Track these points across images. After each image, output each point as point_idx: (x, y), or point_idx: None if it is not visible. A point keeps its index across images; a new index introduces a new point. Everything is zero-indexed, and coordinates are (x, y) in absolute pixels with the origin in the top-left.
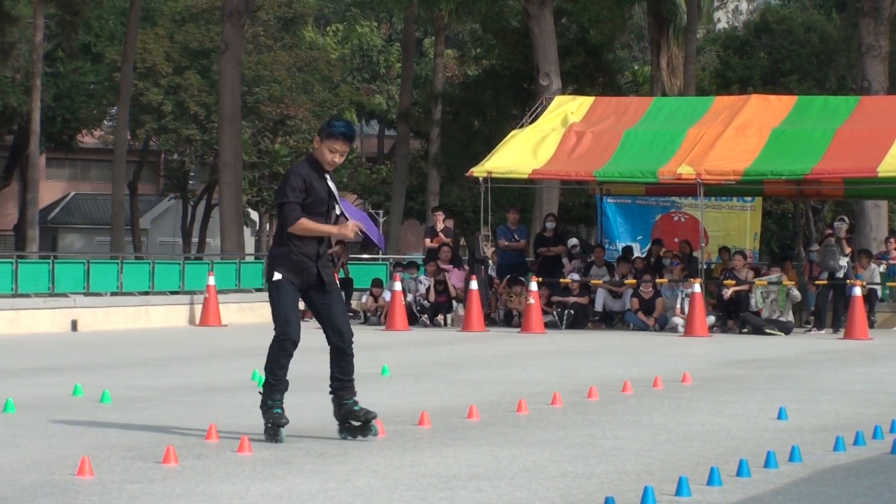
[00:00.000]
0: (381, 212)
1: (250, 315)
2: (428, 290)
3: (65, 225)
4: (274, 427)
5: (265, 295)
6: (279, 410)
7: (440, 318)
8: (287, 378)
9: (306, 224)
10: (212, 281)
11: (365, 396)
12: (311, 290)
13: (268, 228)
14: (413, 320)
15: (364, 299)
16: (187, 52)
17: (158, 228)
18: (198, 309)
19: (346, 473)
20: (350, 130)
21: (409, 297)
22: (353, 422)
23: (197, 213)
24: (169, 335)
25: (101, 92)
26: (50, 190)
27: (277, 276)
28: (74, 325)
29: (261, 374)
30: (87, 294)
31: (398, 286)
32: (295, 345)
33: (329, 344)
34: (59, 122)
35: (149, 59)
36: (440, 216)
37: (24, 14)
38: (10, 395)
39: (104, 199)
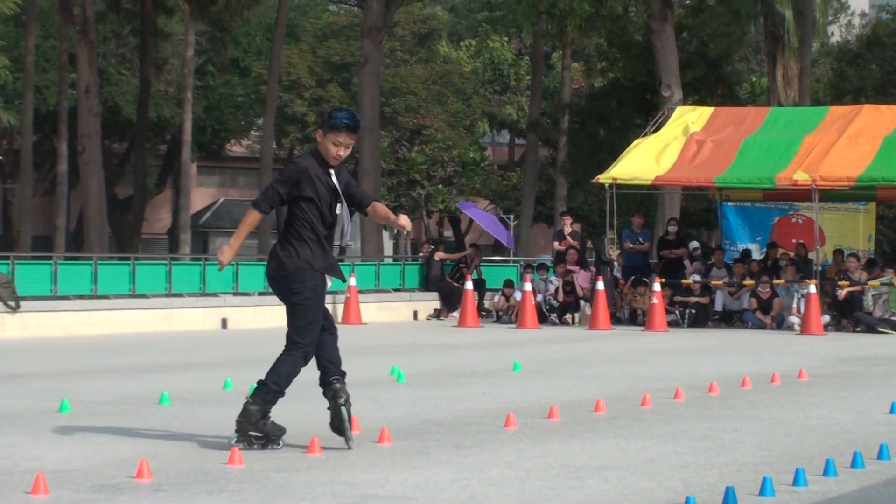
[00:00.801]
0: (511, 216)
1: (388, 314)
2: (557, 290)
3: (215, 229)
4: (275, 439)
5: (404, 294)
6: (272, 422)
7: (568, 316)
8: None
9: (248, 219)
10: (353, 282)
11: (498, 391)
12: None
13: (405, 233)
14: (543, 319)
15: (496, 299)
16: (329, 66)
17: None
18: (340, 308)
19: (479, 464)
20: (353, 121)
21: (539, 296)
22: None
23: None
24: None
25: (249, 104)
26: (201, 196)
27: (329, 280)
28: (224, 323)
29: (400, 370)
30: (235, 294)
31: (528, 286)
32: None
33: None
34: (209, 132)
35: (293, 72)
36: (568, 220)
37: (177, 31)
38: (166, 388)
39: None
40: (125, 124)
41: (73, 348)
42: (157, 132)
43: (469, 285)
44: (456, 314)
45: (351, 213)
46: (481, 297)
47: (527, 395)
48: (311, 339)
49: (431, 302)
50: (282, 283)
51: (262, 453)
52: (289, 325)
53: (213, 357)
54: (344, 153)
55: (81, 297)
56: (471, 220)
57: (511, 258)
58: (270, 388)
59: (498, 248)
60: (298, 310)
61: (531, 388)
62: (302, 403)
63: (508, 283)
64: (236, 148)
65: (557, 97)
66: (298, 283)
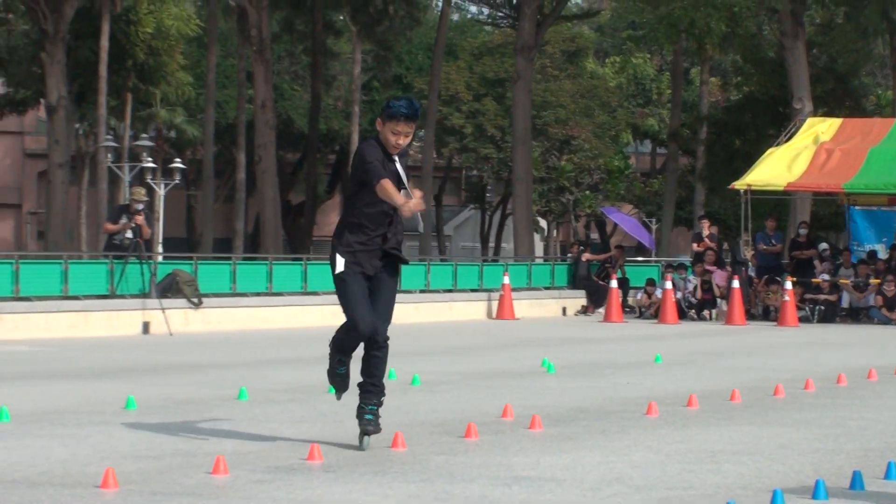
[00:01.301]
0: (653, 220)
1: (539, 310)
2: (695, 288)
3: None
4: (340, 382)
5: (553, 292)
6: (342, 369)
7: (706, 312)
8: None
9: (386, 185)
10: (507, 280)
11: (641, 381)
12: (374, 276)
13: (555, 234)
14: (682, 315)
15: (639, 296)
16: (485, 81)
17: (460, 235)
18: (494, 304)
19: (624, 448)
20: (411, 109)
21: (679, 294)
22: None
23: (493, 222)
24: (469, 327)
25: None
26: None
27: (340, 267)
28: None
29: (550, 362)
30: (398, 291)
31: (669, 285)
32: (368, 338)
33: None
34: None
35: (451, 87)
36: (706, 223)
37: (345, 51)
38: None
39: None
40: (298, 136)
41: (250, 341)
42: (327, 143)
43: (614, 283)
44: (601, 310)
45: None
46: (625, 295)
47: (667, 385)
48: (351, 320)
49: (579, 299)
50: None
51: (424, 438)
52: None
53: None
54: (403, 142)
55: (258, 294)
56: (615, 224)
57: (652, 258)
58: (332, 351)
59: (640, 249)
60: (336, 288)
61: (671, 379)
62: (461, 393)
63: (650, 282)
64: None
65: (696, 110)
66: (331, 263)
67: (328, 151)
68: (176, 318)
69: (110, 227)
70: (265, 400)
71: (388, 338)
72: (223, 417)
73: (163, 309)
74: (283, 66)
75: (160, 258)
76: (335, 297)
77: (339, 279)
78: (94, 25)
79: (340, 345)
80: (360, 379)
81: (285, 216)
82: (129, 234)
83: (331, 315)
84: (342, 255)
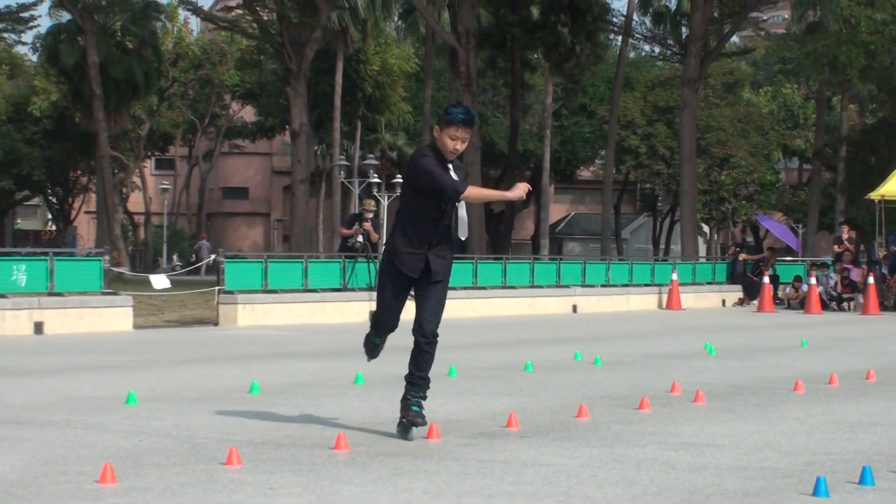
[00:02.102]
0: (799, 225)
1: (703, 301)
2: (836, 283)
3: (567, 236)
4: (372, 349)
5: (714, 286)
6: (378, 340)
7: (845, 304)
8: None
9: (472, 191)
10: (675, 276)
11: (789, 362)
12: (420, 279)
13: (715, 238)
14: (824, 306)
15: (787, 290)
16: (656, 109)
17: (635, 238)
18: (664, 297)
19: (774, 419)
20: (468, 116)
21: (821, 288)
22: (402, 418)
23: (663, 227)
24: (643, 316)
25: (594, 139)
26: (557, 210)
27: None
28: (575, 308)
29: (711, 345)
30: (583, 286)
31: (813, 281)
32: (385, 332)
33: (413, 334)
34: (563, 161)
35: (628, 114)
36: (845, 228)
37: (538, 83)
38: (529, 358)
39: (596, 217)
40: (498, 155)
41: (458, 328)
42: (523, 161)
43: (766, 280)
44: (755, 302)
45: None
46: (776, 289)
47: (812, 366)
48: (377, 315)
49: (736, 292)
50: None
51: (604, 410)
52: None
53: (565, 334)
54: (461, 147)
55: (465, 287)
56: (767, 229)
57: (799, 258)
58: (367, 339)
59: (789, 250)
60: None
61: (815, 361)
62: (635, 372)
63: (797, 278)
64: (584, 173)
65: (837, 132)
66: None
67: (524, 168)
68: None
69: (345, 231)
70: (471, 377)
71: (434, 341)
72: (436, 391)
73: None
74: (487, 97)
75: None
76: (529, 291)
77: (379, 277)
78: (331, 64)
79: (365, 341)
80: (408, 374)
81: (488, 222)
82: (359, 238)
83: (525, 306)
84: (386, 257)
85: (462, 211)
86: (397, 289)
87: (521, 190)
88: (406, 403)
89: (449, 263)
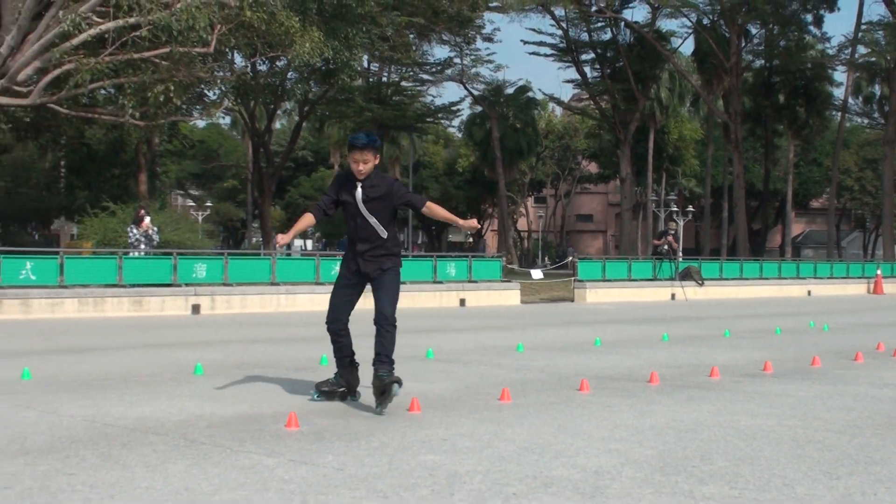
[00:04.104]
0: None
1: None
2: None
3: (803, 245)
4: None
5: None
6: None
7: None
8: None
9: (437, 209)
10: (879, 271)
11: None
12: (369, 280)
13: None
14: None
15: None
16: (866, 161)
17: (851, 246)
18: (871, 286)
19: (824, 394)
20: (366, 140)
21: None
22: (375, 395)
23: (870, 239)
24: (857, 299)
25: (822, 180)
26: (796, 228)
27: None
28: (809, 293)
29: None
30: (815, 278)
31: None
32: (331, 331)
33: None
34: (800, 195)
35: (845, 164)
36: None
37: (783, 144)
38: (779, 324)
39: (823, 232)
40: (756, 192)
41: (733, 304)
42: (774, 196)
43: None
44: None
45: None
46: None
47: None
48: (328, 314)
49: None
50: None
51: (831, 360)
52: None
53: (802, 310)
54: (363, 167)
55: (735, 279)
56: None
57: None
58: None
59: None
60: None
61: None
62: (851, 335)
63: None
64: (815, 203)
65: None
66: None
67: (774, 201)
68: (688, 292)
69: (656, 242)
70: (739, 337)
71: (391, 323)
72: (713, 346)
73: (682, 286)
74: (749, 154)
75: (681, 258)
76: (778, 280)
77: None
78: (645, 135)
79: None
80: (375, 354)
81: (751, 236)
82: (665, 247)
83: (775, 290)
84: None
85: (372, 219)
86: (343, 291)
87: (472, 222)
88: (375, 377)
89: (382, 263)
